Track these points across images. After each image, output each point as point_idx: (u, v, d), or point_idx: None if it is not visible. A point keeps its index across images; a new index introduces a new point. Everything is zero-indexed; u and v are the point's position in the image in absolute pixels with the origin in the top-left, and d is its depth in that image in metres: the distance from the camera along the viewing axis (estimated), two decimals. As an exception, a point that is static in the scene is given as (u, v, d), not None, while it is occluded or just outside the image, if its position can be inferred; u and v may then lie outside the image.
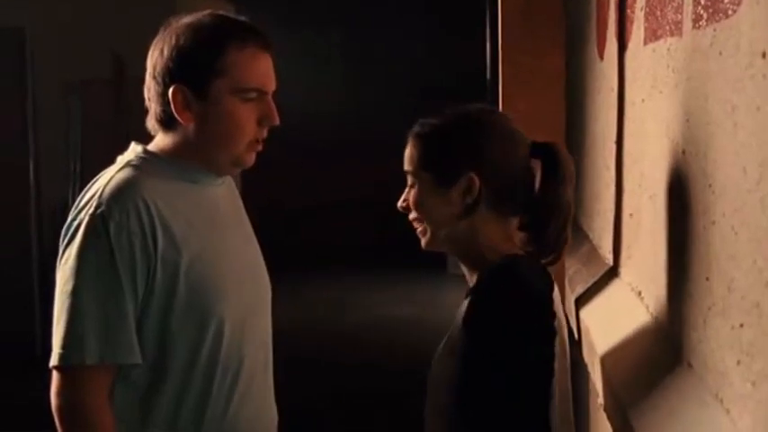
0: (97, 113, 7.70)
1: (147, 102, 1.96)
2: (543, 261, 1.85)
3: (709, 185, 1.52)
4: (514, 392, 1.69)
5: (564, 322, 1.85)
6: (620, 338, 2.06)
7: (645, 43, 2.07)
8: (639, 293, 2.12)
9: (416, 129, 1.87)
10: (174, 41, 1.89)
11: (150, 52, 1.93)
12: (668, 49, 1.83)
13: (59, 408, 1.85)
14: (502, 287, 1.73)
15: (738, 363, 1.36)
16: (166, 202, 1.89)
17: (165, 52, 1.89)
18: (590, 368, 2.25)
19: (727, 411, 1.39)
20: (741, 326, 1.35)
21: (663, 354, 1.78)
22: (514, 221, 1.84)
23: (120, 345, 1.84)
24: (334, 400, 5.93)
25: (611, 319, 2.20)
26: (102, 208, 1.84)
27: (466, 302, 1.77)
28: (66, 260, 1.85)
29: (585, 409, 2.66)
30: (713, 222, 1.50)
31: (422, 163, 1.84)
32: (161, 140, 1.96)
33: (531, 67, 3.31)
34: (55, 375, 1.86)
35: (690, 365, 1.63)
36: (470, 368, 1.71)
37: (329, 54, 11.32)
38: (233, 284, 1.95)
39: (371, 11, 11.01)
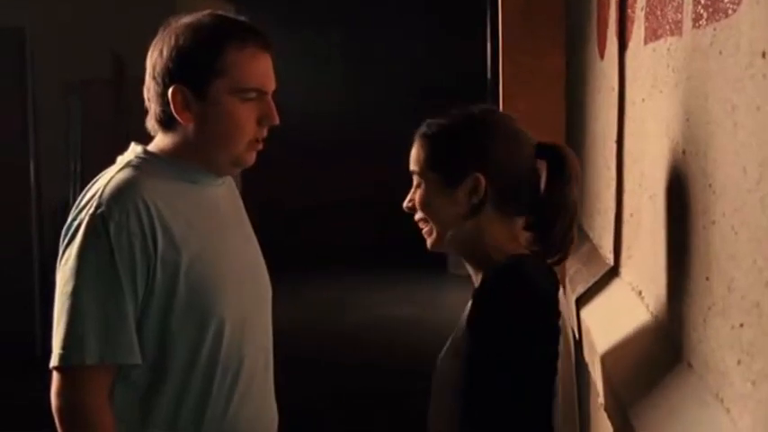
0: (97, 113, 7.70)
1: (146, 102, 1.96)
2: (549, 261, 1.85)
3: (710, 185, 1.52)
4: (519, 392, 1.70)
5: (574, 319, 1.86)
6: (621, 338, 2.06)
7: (645, 43, 2.07)
8: (640, 293, 2.12)
9: (423, 129, 1.88)
10: (173, 42, 1.89)
11: (150, 52, 1.93)
12: (668, 49, 1.83)
13: (59, 408, 1.85)
14: (507, 287, 1.74)
15: (738, 362, 1.36)
16: (166, 202, 1.89)
17: (165, 52, 1.89)
18: (590, 368, 2.25)
19: (728, 411, 1.39)
20: (741, 325, 1.35)
21: (663, 353, 1.78)
22: (520, 222, 1.85)
23: (120, 345, 1.83)
24: (334, 400, 5.93)
25: (612, 318, 2.20)
26: (103, 208, 1.84)
27: (471, 302, 1.77)
28: (67, 260, 1.85)
29: (586, 408, 2.66)
30: (713, 222, 1.50)
31: (429, 163, 1.85)
32: (161, 141, 1.96)
33: (532, 67, 3.31)
34: (55, 376, 1.86)
35: (690, 365, 1.63)
36: (476, 368, 1.72)
37: (329, 54, 11.31)
38: (233, 284, 1.95)
39: (371, 11, 11.01)
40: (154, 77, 1.91)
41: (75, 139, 7.69)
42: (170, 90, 1.88)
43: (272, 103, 1.94)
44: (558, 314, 1.75)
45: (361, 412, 5.72)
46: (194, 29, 1.90)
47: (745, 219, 1.34)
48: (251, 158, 1.97)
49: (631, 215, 2.27)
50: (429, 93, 10.32)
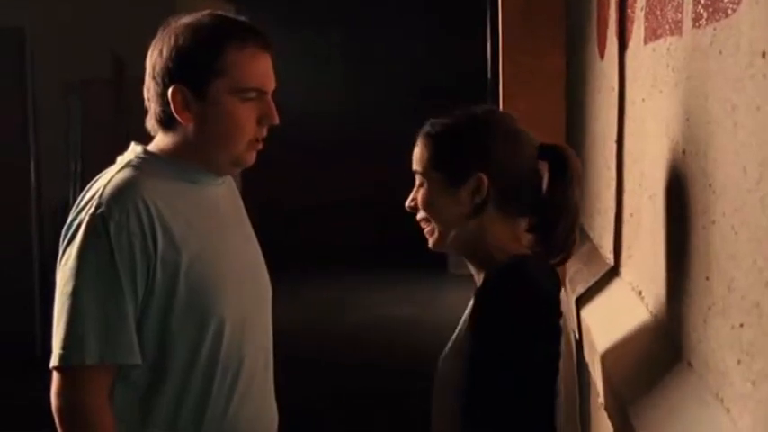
0: (97, 113, 7.70)
1: (146, 102, 1.96)
2: (552, 262, 1.86)
3: (710, 185, 1.52)
4: (521, 392, 1.70)
5: (574, 319, 1.87)
6: (621, 338, 2.06)
7: (645, 42, 2.07)
8: (640, 293, 2.12)
9: (426, 129, 1.88)
10: (173, 42, 1.89)
11: (149, 53, 1.93)
12: (668, 49, 1.83)
13: (59, 408, 1.85)
14: (509, 287, 1.74)
15: (738, 362, 1.36)
16: (166, 202, 1.89)
17: (165, 52, 1.89)
18: (590, 367, 2.25)
19: (728, 411, 1.39)
20: (741, 325, 1.35)
21: (663, 353, 1.78)
22: (522, 223, 1.85)
23: (119, 345, 1.83)
24: (334, 399, 5.93)
25: (612, 318, 2.20)
26: (102, 208, 1.84)
27: (473, 302, 1.78)
28: (67, 260, 1.85)
29: (586, 408, 2.65)
30: (713, 222, 1.50)
31: (432, 163, 1.85)
32: (161, 141, 1.96)
33: (532, 67, 3.31)
34: (55, 376, 1.86)
35: (690, 365, 1.63)
36: (478, 367, 1.72)
37: (329, 54, 11.31)
38: (233, 284, 1.95)
39: (371, 11, 11.00)
40: (153, 77, 1.91)
41: (75, 139, 7.69)
42: (170, 90, 1.88)
43: (272, 103, 1.94)
44: (559, 314, 1.76)
45: (361, 412, 5.72)
46: (194, 29, 1.90)
47: (745, 219, 1.34)
48: (251, 158, 1.97)
49: (631, 215, 2.27)
50: (429, 93, 10.32)
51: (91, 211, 1.84)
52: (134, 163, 1.93)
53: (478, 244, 1.83)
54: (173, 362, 1.89)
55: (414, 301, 8.65)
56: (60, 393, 1.85)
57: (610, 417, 1.97)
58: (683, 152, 1.71)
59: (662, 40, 1.89)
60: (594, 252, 2.81)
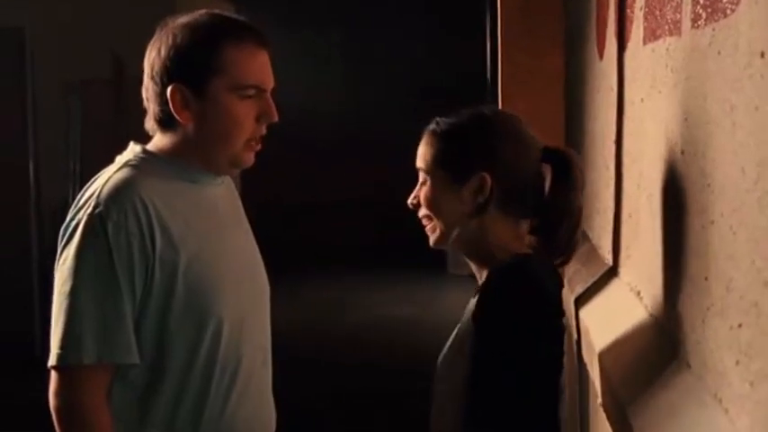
0: (97, 113, 7.70)
1: (145, 102, 1.96)
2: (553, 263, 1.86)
3: (708, 185, 1.52)
4: (525, 390, 1.70)
5: (573, 318, 1.87)
6: (619, 338, 2.06)
7: (644, 43, 2.07)
8: (638, 293, 2.12)
9: (432, 126, 1.89)
10: (170, 41, 1.89)
11: (147, 53, 1.93)
12: (667, 49, 1.83)
13: (57, 408, 1.85)
14: (512, 286, 1.75)
15: (737, 363, 1.36)
16: (165, 201, 1.89)
17: (163, 52, 1.89)
18: (589, 368, 2.25)
19: (726, 411, 1.39)
20: (740, 326, 1.35)
21: (661, 353, 1.78)
22: (524, 224, 1.86)
23: (117, 345, 1.83)
24: (335, 399, 5.93)
25: (611, 318, 2.20)
26: (101, 208, 1.83)
27: (475, 300, 1.78)
28: (65, 260, 1.85)
29: (585, 408, 2.65)
30: (712, 222, 1.50)
31: (437, 160, 1.86)
32: (159, 140, 1.96)
33: (531, 67, 3.31)
34: (53, 375, 1.86)
35: (688, 365, 1.63)
36: (481, 366, 1.73)
37: (329, 54, 11.32)
38: (231, 284, 1.95)
39: (371, 11, 11.01)
40: (152, 77, 1.91)
41: (74, 139, 7.69)
42: (169, 89, 1.88)
43: (271, 101, 1.94)
44: (562, 313, 1.76)
45: (360, 412, 5.72)
46: (192, 28, 1.90)
47: (743, 219, 1.34)
48: (249, 159, 1.96)
49: (630, 215, 2.27)
50: (429, 93, 10.33)
51: (89, 211, 1.84)
52: (132, 162, 1.92)
53: (480, 243, 1.84)
54: (171, 362, 1.89)
55: (413, 301, 8.65)
56: (58, 393, 1.85)
57: (608, 417, 1.96)
58: (682, 152, 1.71)
59: (661, 41, 1.89)
60: (593, 252, 2.81)
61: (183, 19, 1.93)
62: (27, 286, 6.90)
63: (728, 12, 1.40)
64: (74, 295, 1.82)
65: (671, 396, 1.61)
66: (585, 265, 2.78)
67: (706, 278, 1.53)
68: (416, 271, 9.54)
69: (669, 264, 1.81)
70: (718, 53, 1.46)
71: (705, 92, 1.54)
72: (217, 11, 1.97)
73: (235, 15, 2.00)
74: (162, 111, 1.91)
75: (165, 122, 1.93)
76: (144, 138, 1.99)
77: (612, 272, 2.48)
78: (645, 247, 2.05)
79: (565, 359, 1.78)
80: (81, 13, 7.71)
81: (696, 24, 1.59)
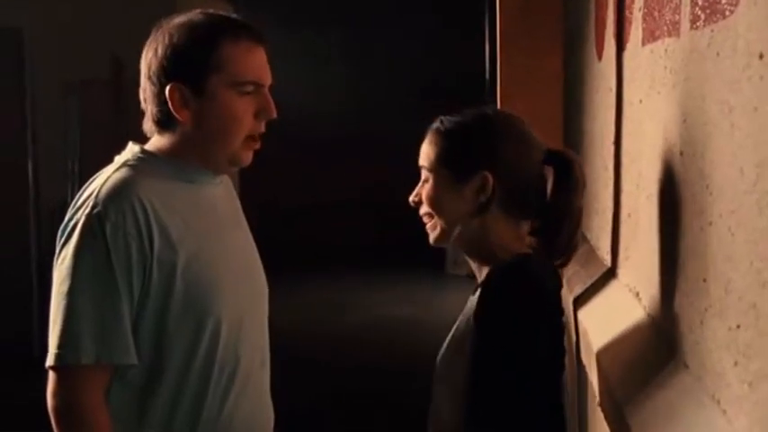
0: (96, 114, 7.69)
1: (142, 104, 1.96)
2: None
3: (707, 186, 1.52)
4: (526, 389, 1.71)
5: (572, 319, 1.88)
6: (618, 339, 2.06)
7: (643, 44, 2.08)
8: (637, 294, 2.12)
9: (436, 125, 1.91)
10: (167, 41, 1.89)
11: (144, 54, 1.93)
12: (666, 50, 1.84)
13: (55, 408, 1.85)
14: (512, 285, 1.76)
15: (735, 364, 1.36)
16: (163, 201, 1.89)
17: (160, 52, 1.89)
18: (587, 368, 2.25)
19: (724, 412, 1.39)
20: (738, 327, 1.35)
21: (660, 354, 1.78)
22: (525, 225, 1.87)
23: (115, 345, 1.83)
24: (334, 400, 5.93)
25: (609, 319, 2.20)
26: (99, 208, 1.83)
27: (475, 298, 1.79)
28: (63, 260, 1.85)
29: (583, 409, 2.65)
30: (710, 223, 1.50)
31: (440, 159, 1.87)
32: (158, 141, 1.96)
33: (530, 68, 3.31)
34: (51, 376, 1.85)
35: (687, 366, 1.63)
36: (482, 365, 1.73)
37: (329, 54, 11.31)
38: (230, 285, 1.95)
39: (371, 11, 11.01)
40: (149, 78, 1.91)
41: (73, 140, 7.68)
42: (167, 88, 1.88)
43: (270, 97, 1.95)
44: (561, 312, 1.77)
45: (360, 412, 5.72)
46: (188, 27, 1.91)
47: (741, 220, 1.34)
48: (248, 158, 1.97)
49: (629, 216, 2.27)
50: (429, 93, 10.33)
51: (87, 211, 1.84)
52: (131, 163, 1.93)
53: (481, 242, 1.86)
54: (169, 362, 1.89)
55: (412, 301, 8.65)
56: (56, 393, 1.84)
57: (606, 418, 1.96)
58: (681, 153, 1.71)
59: (660, 42, 1.89)
60: (592, 253, 2.81)
61: (178, 19, 1.93)
62: (26, 286, 6.90)
63: (727, 13, 1.40)
64: (72, 295, 1.82)
65: (669, 397, 1.61)
66: (584, 267, 2.78)
67: (704, 279, 1.53)
68: (415, 271, 9.55)
69: (668, 265, 1.81)
70: (717, 54, 1.46)
71: (704, 93, 1.54)
72: (212, 11, 1.98)
73: (230, 14, 2.01)
74: (160, 111, 1.91)
75: (164, 123, 1.93)
76: (143, 138, 1.99)
77: (611, 273, 2.48)
78: (643, 248, 2.05)
79: (566, 358, 1.78)
80: (80, 14, 7.70)
81: (695, 26, 1.59)
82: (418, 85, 10.94)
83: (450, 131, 1.88)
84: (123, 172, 1.90)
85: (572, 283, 2.82)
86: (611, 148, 2.49)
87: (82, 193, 1.90)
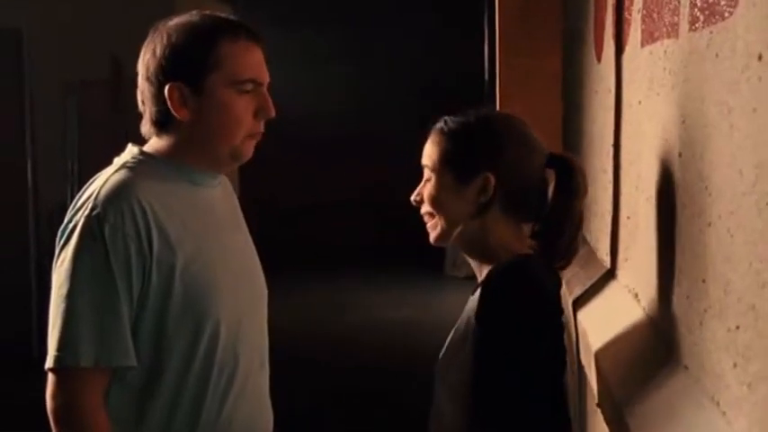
0: (95, 114, 7.69)
1: (140, 106, 1.96)
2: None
3: (706, 187, 1.52)
4: (528, 389, 1.71)
5: (571, 320, 1.88)
6: (617, 340, 2.06)
7: (642, 45, 2.08)
8: (636, 295, 2.12)
9: (440, 125, 1.92)
10: (166, 41, 1.89)
11: (141, 56, 1.94)
12: (665, 52, 1.84)
13: (55, 410, 1.85)
14: (513, 286, 1.76)
15: (735, 365, 1.36)
16: (162, 203, 1.89)
17: (158, 52, 1.89)
18: (587, 370, 2.25)
19: (724, 414, 1.39)
20: (737, 328, 1.35)
21: (659, 356, 1.78)
22: (526, 228, 1.88)
23: (115, 347, 1.83)
24: (333, 400, 5.93)
25: (608, 321, 2.20)
26: (98, 210, 1.83)
27: (475, 297, 1.79)
28: (62, 262, 1.85)
29: (583, 411, 2.65)
30: (709, 224, 1.50)
31: (443, 159, 1.88)
32: (156, 142, 1.96)
33: (529, 68, 3.31)
34: (50, 378, 1.85)
35: (686, 368, 1.63)
36: (483, 366, 1.73)
37: (329, 54, 11.31)
38: (228, 286, 1.95)
39: (371, 10, 11.00)
40: (148, 78, 1.91)
41: (72, 140, 7.68)
42: (166, 88, 1.88)
43: (268, 96, 1.95)
44: (562, 311, 1.77)
45: (360, 413, 5.72)
46: (186, 27, 1.91)
47: (740, 221, 1.34)
48: (249, 151, 1.97)
49: (628, 218, 2.27)
50: (429, 93, 10.33)
51: (86, 213, 1.84)
52: (130, 164, 1.92)
53: (481, 242, 1.86)
54: (168, 364, 1.89)
55: (411, 302, 8.64)
56: (55, 395, 1.84)
57: (605, 419, 1.96)
58: (680, 155, 1.71)
59: (659, 43, 1.89)
60: (591, 255, 2.81)
61: (176, 20, 1.94)
62: (25, 287, 6.89)
63: (726, 14, 1.40)
64: (71, 298, 1.82)
65: (668, 398, 1.61)
66: (583, 268, 2.78)
67: (704, 280, 1.53)
68: (414, 273, 9.55)
69: (667, 266, 1.81)
70: (716, 56, 1.46)
71: (703, 94, 1.55)
72: (208, 11, 2.00)
73: (227, 15, 2.03)
74: (159, 111, 1.91)
75: (163, 123, 1.93)
76: (142, 139, 2.00)
77: (610, 274, 2.48)
78: (643, 249, 2.05)
79: (567, 357, 1.78)
80: (79, 14, 7.70)
81: (694, 27, 1.59)
82: (418, 85, 10.93)
83: (453, 132, 1.89)
84: (122, 174, 1.90)
85: (571, 284, 2.82)
86: (611, 150, 2.49)
87: (81, 195, 1.90)
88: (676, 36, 1.73)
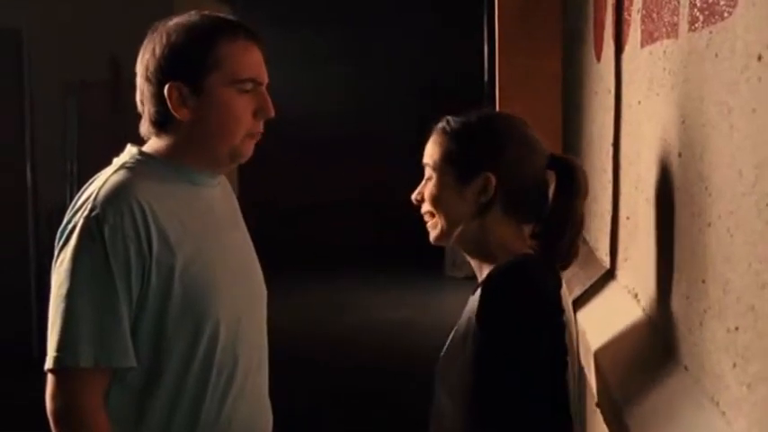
0: (94, 114, 7.69)
1: (139, 107, 1.96)
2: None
3: (705, 188, 1.52)
4: (530, 389, 1.71)
5: (572, 319, 1.88)
6: (616, 340, 2.06)
7: (641, 45, 2.08)
8: (636, 296, 2.12)
9: (442, 124, 1.92)
10: (165, 40, 1.90)
11: (140, 56, 1.94)
12: (664, 52, 1.84)
13: (54, 411, 1.84)
14: (513, 286, 1.77)
15: (734, 365, 1.36)
16: (161, 203, 1.89)
17: (158, 52, 1.89)
18: (586, 370, 2.25)
19: (723, 414, 1.39)
20: (736, 329, 1.35)
21: (659, 356, 1.78)
22: (527, 228, 1.88)
23: (114, 348, 1.83)
24: (333, 400, 5.93)
25: (608, 321, 2.20)
26: (97, 211, 1.83)
27: (475, 297, 1.79)
28: (61, 263, 1.85)
29: (582, 411, 2.65)
30: (709, 225, 1.50)
31: (444, 158, 1.89)
32: (155, 143, 1.96)
33: (529, 68, 3.31)
34: (50, 378, 1.85)
35: (686, 368, 1.63)
36: (484, 367, 1.74)
37: (328, 54, 11.31)
38: (227, 286, 1.95)
39: (370, 10, 11.00)
40: (147, 78, 1.91)
41: (71, 140, 7.68)
42: (166, 87, 1.88)
43: (267, 96, 1.95)
44: (562, 311, 1.77)
45: (359, 412, 5.72)
46: (185, 27, 1.91)
47: (740, 221, 1.34)
48: (248, 150, 1.97)
49: (628, 218, 2.27)
50: (428, 93, 10.33)
51: (85, 214, 1.84)
52: (129, 165, 1.92)
53: (482, 242, 1.87)
54: (167, 364, 1.88)
55: (410, 302, 8.64)
56: (55, 396, 1.84)
57: (605, 420, 1.96)
58: (679, 155, 1.71)
59: (658, 43, 1.89)
60: (590, 255, 2.81)
61: (174, 20, 1.94)
62: (25, 287, 6.89)
63: (725, 15, 1.40)
64: (70, 298, 1.82)
65: (668, 398, 1.61)
66: (583, 268, 2.78)
67: (703, 281, 1.53)
68: (413, 273, 9.55)
69: (666, 266, 1.81)
70: (716, 56, 1.46)
71: (702, 94, 1.55)
72: (207, 12, 2.00)
73: (225, 15, 2.03)
74: (158, 111, 1.91)
75: (162, 123, 1.92)
76: (141, 139, 1.99)
77: (610, 274, 2.48)
78: (642, 249, 2.05)
79: (569, 357, 1.78)
80: (79, 15, 7.70)
81: (693, 27, 1.59)
82: (417, 85, 10.94)
83: (455, 132, 1.89)
84: (121, 174, 1.90)
85: (571, 284, 2.82)
86: (610, 150, 2.49)
87: (80, 196, 1.90)
88: (676, 36, 1.73)
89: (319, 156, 11.05)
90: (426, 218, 1.93)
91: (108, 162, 1.98)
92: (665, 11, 1.81)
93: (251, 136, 1.95)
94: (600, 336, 2.16)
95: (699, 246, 1.56)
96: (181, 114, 1.89)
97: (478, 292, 1.81)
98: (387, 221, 10.07)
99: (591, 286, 2.58)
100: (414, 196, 1.93)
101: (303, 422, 5.25)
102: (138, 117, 1.97)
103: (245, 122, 1.92)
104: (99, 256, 1.82)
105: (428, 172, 1.91)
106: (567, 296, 1.89)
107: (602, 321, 2.24)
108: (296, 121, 9.68)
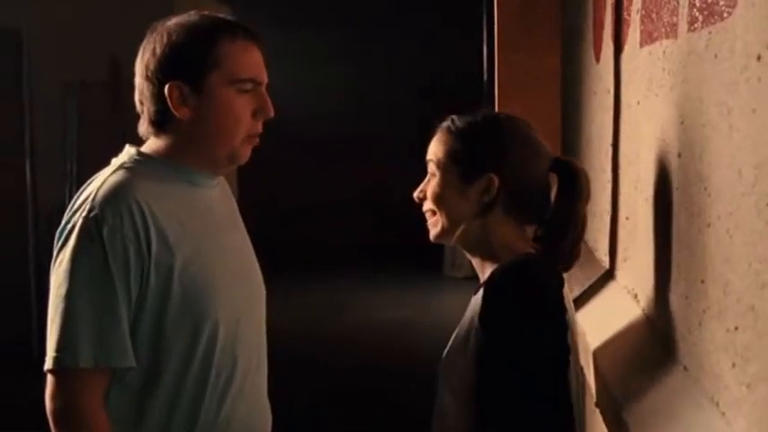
0: (94, 114, 7.69)
1: (138, 106, 1.95)
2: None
3: (705, 188, 1.52)
4: (531, 389, 1.71)
5: (574, 319, 1.88)
6: (616, 340, 2.06)
7: (641, 45, 2.08)
8: (635, 296, 2.12)
9: (447, 123, 1.93)
10: (165, 40, 1.90)
11: (139, 55, 1.94)
12: (664, 52, 1.84)
13: (54, 411, 1.84)
14: (516, 284, 1.77)
15: (733, 366, 1.36)
16: (160, 204, 1.88)
17: (158, 51, 1.89)
18: (585, 370, 2.25)
19: (723, 414, 1.39)
20: (736, 329, 1.35)
21: (658, 356, 1.78)
22: (529, 230, 1.89)
23: (113, 348, 1.83)
24: (333, 400, 5.93)
25: (607, 321, 2.20)
26: (96, 211, 1.83)
27: (478, 297, 1.79)
28: (60, 263, 1.85)
29: (582, 411, 2.65)
30: (708, 225, 1.50)
31: (448, 157, 1.89)
32: (154, 143, 1.96)
33: (528, 68, 3.31)
34: (49, 379, 1.85)
35: (685, 368, 1.63)
36: (487, 367, 1.74)
37: (327, 54, 11.31)
38: (226, 286, 1.95)
39: (370, 10, 11.00)
40: (147, 77, 1.91)
41: (71, 140, 7.68)
42: (166, 87, 1.88)
43: (267, 96, 1.95)
44: (564, 310, 1.78)
45: (359, 412, 5.72)
46: (186, 26, 1.91)
47: (739, 222, 1.34)
48: (246, 154, 1.97)
49: (627, 218, 2.27)
50: (428, 93, 10.33)
51: (84, 214, 1.84)
52: (127, 165, 1.92)
53: (483, 242, 1.87)
54: (167, 365, 1.88)
55: (410, 302, 8.64)
56: (54, 396, 1.84)
57: (604, 420, 1.96)
58: (679, 155, 1.71)
59: (657, 44, 1.89)
60: (590, 255, 2.81)
61: (174, 20, 1.94)
62: (25, 287, 6.89)
63: (725, 15, 1.40)
64: (69, 298, 1.82)
65: (667, 398, 1.61)
66: (582, 268, 2.78)
67: (703, 281, 1.53)
68: (413, 272, 9.55)
69: (666, 266, 1.81)
70: (715, 56, 1.46)
71: (702, 95, 1.55)
72: (206, 12, 2.00)
73: (225, 15, 2.03)
74: (158, 111, 1.91)
75: (161, 123, 1.92)
76: (141, 139, 1.99)
77: (609, 274, 2.48)
78: (641, 249, 2.05)
79: (571, 356, 1.78)
80: (79, 15, 7.70)
81: (693, 27, 1.59)
82: (416, 85, 10.94)
83: (460, 131, 1.90)
84: (120, 174, 1.90)
85: (570, 284, 2.81)
86: (609, 150, 2.49)
87: (79, 196, 1.90)
88: (675, 36, 1.73)
89: (319, 156, 11.05)
90: (428, 216, 1.93)
91: (108, 162, 1.98)
92: (665, 11, 1.81)
93: (250, 137, 1.95)
94: (599, 336, 2.16)
95: (698, 246, 1.56)
96: (181, 113, 1.89)
97: (481, 291, 1.81)
98: (387, 221, 10.07)
99: (590, 286, 2.58)
100: (416, 194, 1.94)
101: (303, 422, 5.25)
102: (138, 117, 1.97)
103: (244, 122, 1.92)
104: (98, 256, 1.81)
105: (431, 170, 1.92)
106: (569, 295, 1.89)
107: (602, 321, 2.24)
108: (296, 121, 9.68)
